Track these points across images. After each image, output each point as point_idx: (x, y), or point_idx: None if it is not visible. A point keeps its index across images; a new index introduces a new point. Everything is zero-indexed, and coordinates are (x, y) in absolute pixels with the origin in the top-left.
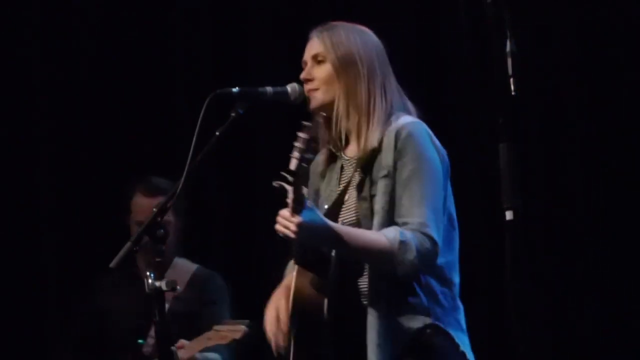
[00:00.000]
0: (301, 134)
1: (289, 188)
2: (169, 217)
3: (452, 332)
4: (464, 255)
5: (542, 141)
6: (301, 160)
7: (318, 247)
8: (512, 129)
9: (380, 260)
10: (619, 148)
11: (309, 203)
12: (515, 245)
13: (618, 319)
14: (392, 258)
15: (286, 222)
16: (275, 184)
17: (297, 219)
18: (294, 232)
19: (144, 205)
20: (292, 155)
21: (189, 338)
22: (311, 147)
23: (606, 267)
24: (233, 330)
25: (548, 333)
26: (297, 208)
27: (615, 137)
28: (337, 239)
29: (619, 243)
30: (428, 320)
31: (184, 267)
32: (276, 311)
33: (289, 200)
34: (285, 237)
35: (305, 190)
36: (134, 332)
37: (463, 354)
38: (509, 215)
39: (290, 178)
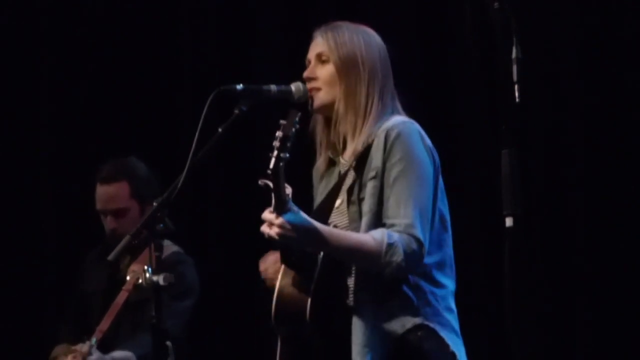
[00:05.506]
0: (278, 133)
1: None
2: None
3: (442, 333)
4: (462, 261)
5: (545, 148)
6: (277, 159)
7: (302, 248)
8: (515, 136)
9: (366, 262)
10: (622, 157)
11: (292, 204)
12: (515, 252)
13: (617, 325)
14: (379, 260)
15: (269, 222)
16: (261, 182)
17: (280, 220)
18: (277, 234)
19: (99, 193)
20: (270, 154)
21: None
22: (287, 146)
23: (606, 275)
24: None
25: (547, 341)
26: (280, 208)
27: (619, 146)
28: (321, 240)
29: (619, 251)
30: (417, 321)
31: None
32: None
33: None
34: (270, 239)
35: (289, 190)
36: (104, 315)
37: (453, 355)
38: (508, 222)
39: (270, 177)
